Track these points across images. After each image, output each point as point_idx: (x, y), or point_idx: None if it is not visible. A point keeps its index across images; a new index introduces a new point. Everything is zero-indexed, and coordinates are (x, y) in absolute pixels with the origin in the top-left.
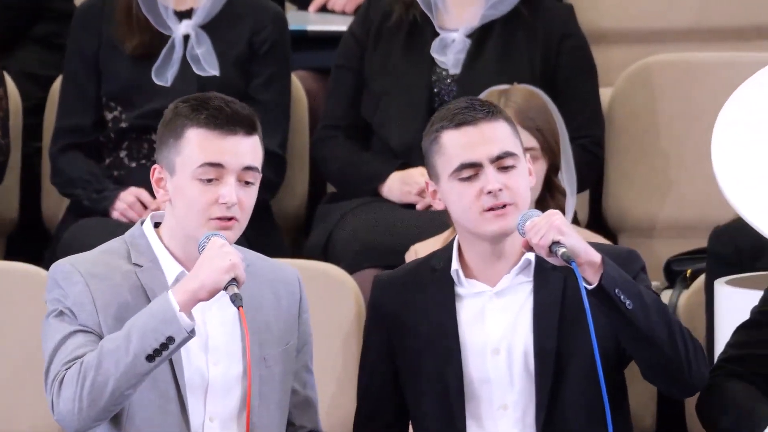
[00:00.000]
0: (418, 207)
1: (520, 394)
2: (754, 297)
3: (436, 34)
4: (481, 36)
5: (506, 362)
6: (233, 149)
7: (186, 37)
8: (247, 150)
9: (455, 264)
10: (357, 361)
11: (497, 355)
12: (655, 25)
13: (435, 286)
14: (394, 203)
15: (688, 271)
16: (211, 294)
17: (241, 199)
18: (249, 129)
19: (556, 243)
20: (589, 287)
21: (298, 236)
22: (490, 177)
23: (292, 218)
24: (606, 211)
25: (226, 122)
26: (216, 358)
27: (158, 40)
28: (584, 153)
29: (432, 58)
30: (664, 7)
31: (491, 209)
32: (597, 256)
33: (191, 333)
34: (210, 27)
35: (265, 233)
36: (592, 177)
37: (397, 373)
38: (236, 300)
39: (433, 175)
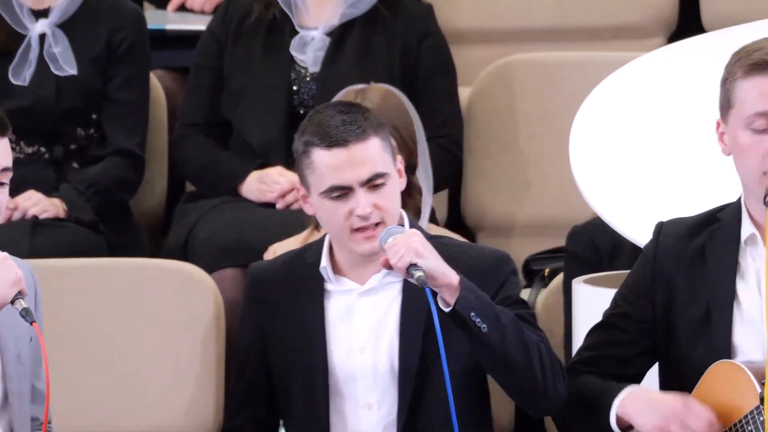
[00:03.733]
0: (278, 206)
1: (384, 394)
2: (611, 296)
3: (296, 33)
4: (340, 34)
5: (371, 361)
6: None
7: (42, 36)
8: (3, 152)
9: (324, 261)
10: (216, 361)
11: (363, 354)
12: (514, 24)
13: (306, 280)
14: (253, 202)
15: (547, 270)
16: None
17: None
18: (3, 130)
19: (413, 265)
20: (446, 310)
21: (157, 235)
22: (361, 201)
23: (151, 217)
24: (465, 210)
25: None
26: None
27: (14, 38)
28: (443, 152)
29: (292, 57)
30: (523, 7)
31: (361, 229)
32: (455, 279)
33: None
34: (67, 26)
35: (124, 233)
36: (450, 176)
37: (269, 365)
38: (28, 315)
39: (303, 183)
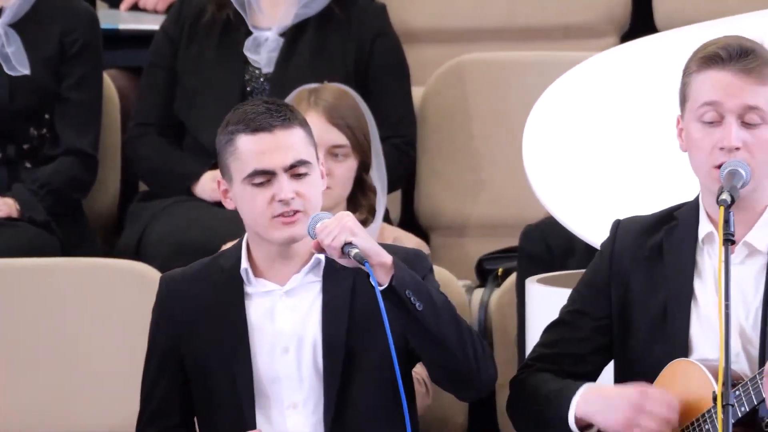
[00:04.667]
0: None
1: (309, 393)
2: (564, 295)
3: (250, 33)
4: (294, 35)
5: (295, 361)
6: None
7: None
8: None
9: (244, 263)
10: None
11: (286, 354)
12: (467, 24)
13: (223, 285)
14: (206, 202)
15: (500, 270)
16: None
17: None
18: None
19: (348, 244)
20: (381, 288)
21: (110, 235)
22: (284, 185)
23: (105, 217)
24: (418, 210)
25: None
26: None
27: None
28: (396, 152)
29: (245, 57)
30: (475, 7)
31: (281, 215)
32: (388, 258)
33: None
34: (20, 26)
35: (77, 233)
36: (404, 176)
37: (185, 373)
38: None
39: (225, 175)
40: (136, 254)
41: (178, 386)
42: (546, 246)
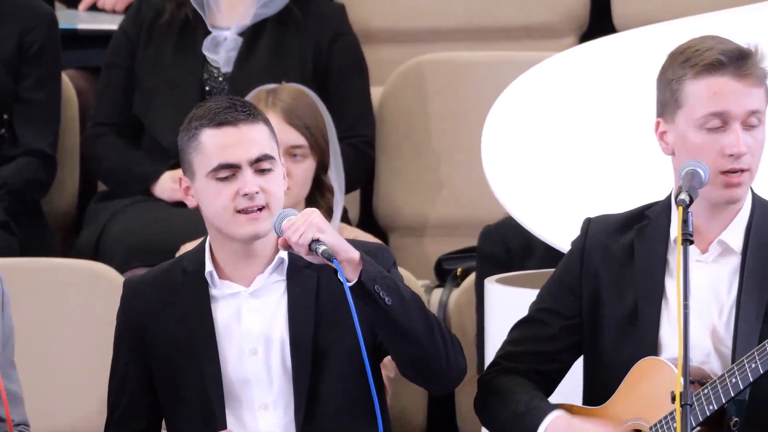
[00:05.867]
0: (190, 206)
1: (279, 393)
2: (523, 295)
3: (208, 33)
4: (253, 34)
5: (264, 362)
6: None
7: None
8: None
9: (209, 266)
10: None
11: (255, 356)
12: (426, 24)
13: (188, 288)
14: (165, 202)
15: (459, 270)
16: None
17: None
18: None
19: (315, 241)
20: (349, 284)
21: (68, 235)
22: (248, 179)
23: (63, 217)
24: (377, 209)
25: None
26: None
27: None
28: (355, 152)
29: (204, 57)
30: (434, 7)
31: (245, 211)
32: (356, 254)
33: None
34: None
35: (36, 233)
36: (362, 176)
37: (151, 376)
38: None
39: (188, 171)
40: (95, 254)
41: (145, 390)
42: (505, 246)
